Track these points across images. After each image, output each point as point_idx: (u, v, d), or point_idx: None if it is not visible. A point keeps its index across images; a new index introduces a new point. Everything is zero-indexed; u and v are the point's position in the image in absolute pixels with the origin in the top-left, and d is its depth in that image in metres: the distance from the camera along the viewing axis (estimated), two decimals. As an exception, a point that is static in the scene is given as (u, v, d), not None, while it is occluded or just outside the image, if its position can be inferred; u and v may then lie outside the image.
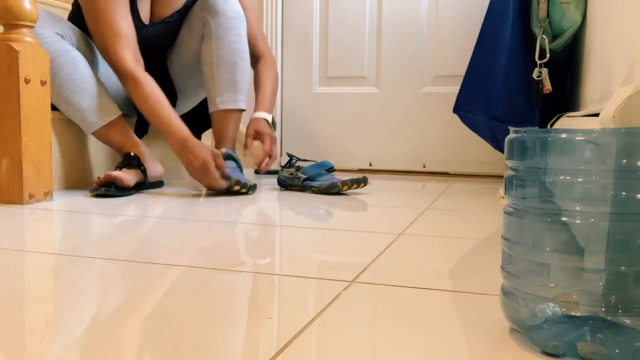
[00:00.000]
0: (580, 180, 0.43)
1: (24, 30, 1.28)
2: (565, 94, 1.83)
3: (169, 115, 1.50)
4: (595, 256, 0.43)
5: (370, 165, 2.39)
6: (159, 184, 1.65)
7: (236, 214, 1.22)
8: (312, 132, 2.44)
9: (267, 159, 1.69)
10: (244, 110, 1.67)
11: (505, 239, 0.50)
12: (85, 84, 1.47)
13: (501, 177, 2.17)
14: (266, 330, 0.52)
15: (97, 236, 0.95)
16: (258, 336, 0.51)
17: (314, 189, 1.59)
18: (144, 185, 1.53)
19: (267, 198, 1.50)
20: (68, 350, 0.47)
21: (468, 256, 0.85)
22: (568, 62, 1.78)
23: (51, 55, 1.39)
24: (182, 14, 1.67)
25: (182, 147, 1.48)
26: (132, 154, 1.51)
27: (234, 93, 1.62)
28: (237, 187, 1.48)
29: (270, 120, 1.71)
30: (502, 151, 1.80)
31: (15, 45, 1.25)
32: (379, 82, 2.36)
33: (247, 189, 1.51)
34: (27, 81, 1.26)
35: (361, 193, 1.60)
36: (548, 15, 1.59)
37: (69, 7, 1.77)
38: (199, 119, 1.99)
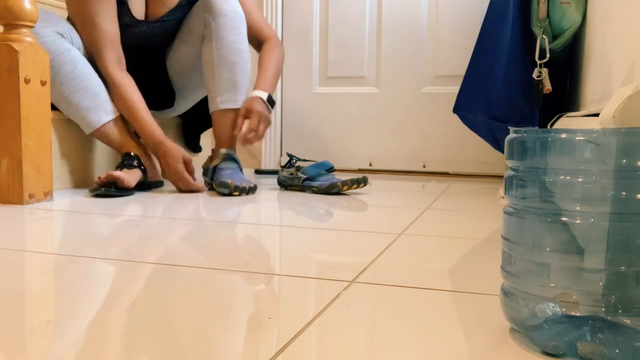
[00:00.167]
0: (580, 180, 0.43)
1: (24, 30, 1.28)
2: (565, 94, 1.83)
3: (144, 119, 1.56)
4: (595, 256, 0.43)
5: (370, 165, 2.39)
6: (159, 183, 1.65)
7: (236, 213, 1.22)
8: (312, 132, 2.44)
9: (253, 133, 1.61)
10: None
11: (505, 239, 0.50)
12: (85, 83, 1.48)
13: (501, 177, 2.17)
14: (266, 330, 0.52)
15: (97, 236, 0.95)
16: (258, 336, 0.51)
17: (314, 189, 1.59)
18: (144, 185, 1.54)
19: (267, 198, 1.50)
20: (68, 350, 0.47)
21: (468, 256, 0.85)
22: (568, 62, 1.78)
23: (51, 55, 1.39)
24: (177, 14, 1.66)
25: (156, 152, 1.57)
26: (132, 153, 1.52)
27: (234, 93, 1.62)
28: (236, 193, 1.48)
29: (265, 97, 1.63)
30: (502, 151, 1.80)
31: (15, 45, 1.25)
32: (379, 82, 2.36)
33: (246, 193, 1.51)
34: (27, 81, 1.26)
35: (361, 193, 1.60)
36: (548, 15, 1.59)
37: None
38: (199, 118, 1.99)
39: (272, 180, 1.92)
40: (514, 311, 0.49)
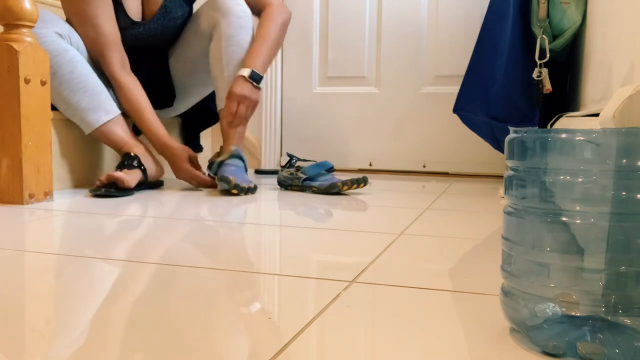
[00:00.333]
0: (580, 180, 0.43)
1: (24, 30, 1.28)
2: (565, 94, 1.83)
3: (150, 121, 1.59)
4: (595, 256, 0.43)
5: (370, 165, 2.39)
6: (159, 183, 1.65)
7: (236, 214, 1.22)
8: (312, 132, 2.44)
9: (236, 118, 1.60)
10: None
11: (505, 239, 0.50)
12: (84, 83, 1.48)
13: (501, 177, 2.17)
14: (266, 330, 0.52)
15: (97, 236, 0.95)
16: (258, 336, 0.51)
17: (314, 189, 1.59)
18: (144, 185, 1.54)
19: (267, 198, 1.50)
20: (68, 350, 0.47)
21: (468, 256, 0.85)
22: (568, 62, 1.78)
23: (50, 55, 1.39)
24: (176, 12, 1.66)
25: (162, 152, 1.61)
26: (132, 154, 1.52)
27: None
28: (234, 191, 1.48)
29: (247, 74, 1.56)
30: (502, 151, 1.80)
31: (15, 45, 1.25)
32: (379, 82, 2.36)
33: (245, 193, 1.51)
34: (27, 81, 1.26)
35: (361, 193, 1.60)
36: (548, 15, 1.59)
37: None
38: (198, 117, 1.99)
39: (272, 180, 1.92)
40: (514, 311, 0.49)
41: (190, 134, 2.05)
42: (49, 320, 0.55)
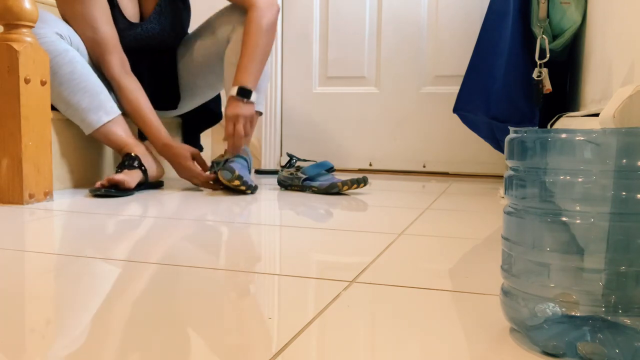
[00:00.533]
0: (580, 180, 0.43)
1: (24, 30, 1.28)
2: (565, 94, 1.83)
3: (151, 121, 1.59)
4: (595, 256, 0.43)
5: (370, 165, 2.39)
6: (159, 184, 1.65)
7: (236, 214, 1.22)
8: (312, 132, 2.44)
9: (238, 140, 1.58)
10: (261, 113, 1.72)
11: (505, 239, 0.50)
12: (85, 83, 1.48)
13: (501, 177, 2.17)
14: (266, 330, 0.52)
15: (97, 236, 0.95)
16: (258, 336, 0.51)
17: (314, 189, 1.59)
18: (145, 185, 1.54)
19: (267, 198, 1.50)
20: (68, 350, 0.47)
21: (468, 256, 0.85)
22: (568, 62, 1.78)
23: (50, 55, 1.39)
24: (160, 12, 1.65)
25: (164, 153, 1.60)
26: (132, 154, 1.52)
27: (256, 95, 1.65)
28: (236, 182, 1.48)
29: (235, 93, 1.55)
30: (502, 151, 1.80)
31: (15, 45, 1.25)
32: (379, 82, 2.36)
33: (247, 187, 1.51)
34: (27, 81, 1.26)
35: (361, 193, 1.60)
36: (548, 15, 1.59)
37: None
38: (199, 118, 1.99)
39: (272, 180, 1.92)
40: (514, 311, 0.49)
41: (190, 134, 2.05)
42: (49, 320, 0.55)
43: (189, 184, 1.72)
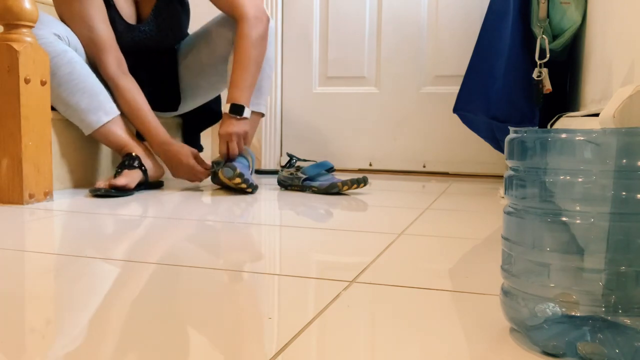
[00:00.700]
0: (580, 180, 0.43)
1: (24, 30, 1.28)
2: (565, 94, 1.83)
3: (149, 120, 1.58)
4: (595, 256, 0.43)
5: (370, 165, 2.39)
6: (159, 184, 1.65)
7: (236, 214, 1.22)
8: (312, 132, 2.44)
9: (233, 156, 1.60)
10: (263, 115, 1.73)
11: (505, 239, 0.50)
12: (84, 84, 1.47)
13: (501, 177, 2.17)
14: (266, 330, 0.52)
15: (97, 236, 0.95)
16: (258, 336, 0.51)
17: (314, 189, 1.59)
18: (145, 185, 1.54)
19: (267, 198, 1.50)
20: (68, 350, 0.47)
21: (468, 256, 0.85)
22: (568, 62, 1.78)
23: (48, 56, 1.39)
24: (158, 14, 1.65)
25: (163, 151, 1.59)
26: (133, 154, 1.52)
27: (258, 96, 1.66)
28: (237, 180, 1.49)
29: (228, 111, 1.56)
30: (502, 151, 1.80)
31: (15, 45, 1.25)
32: (379, 82, 2.36)
33: (248, 185, 1.51)
34: (27, 81, 1.26)
35: (361, 193, 1.60)
36: (548, 15, 1.59)
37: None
38: (199, 117, 1.99)
39: (272, 180, 1.92)
40: (514, 311, 0.49)
41: (190, 133, 2.05)
42: (49, 320, 0.55)
43: (188, 183, 1.72)
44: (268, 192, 1.63)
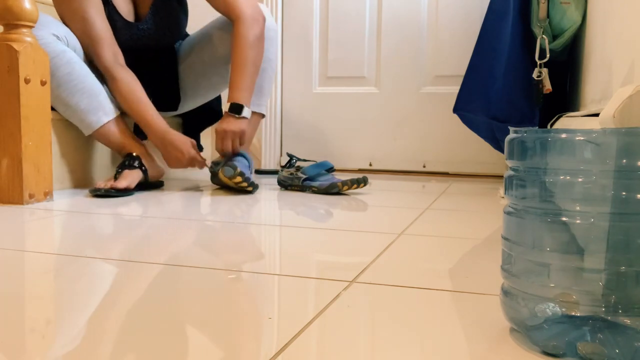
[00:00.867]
0: (580, 180, 0.43)
1: (24, 30, 1.28)
2: (565, 94, 1.83)
3: (147, 111, 1.56)
4: (595, 256, 0.43)
5: (370, 165, 2.39)
6: (159, 184, 1.65)
7: (236, 213, 1.22)
8: (312, 132, 2.44)
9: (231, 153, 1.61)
10: (264, 116, 1.73)
11: (505, 239, 0.50)
12: (83, 84, 1.47)
13: (501, 177, 2.17)
14: (266, 330, 0.52)
15: (97, 236, 0.95)
16: (258, 336, 0.51)
17: (314, 189, 1.59)
18: (145, 185, 1.54)
19: (267, 198, 1.50)
20: (68, 350, 0.47)
21: (468, 256, 0.85)
22: (568, 62, 1.78)
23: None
24: (155, 12, 1.65)
25: (162, 141, 1.56)
26: (133, 154, 1.52)
27: (259, 97, 1.66)
28: (238, 178, 1.48)
29: (227, 109, 1.57)
30: (502, 151, 1.80)
31: (15, 45, 1.25)
32: (379, 82, 2.36)
33: (248, 184, 1.51)
34: (27, 81, 1.26)
35: (361, 193, 1.60)
36: (548, 15, 1.59)
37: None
38: (200, 116, 1.99)
39: (272, 180, 1.92)
40: (514, 311, 0.49)
41: (190, 133, 2.05)
42: (48, 320, 0.55)
43: (189, 184, 1.72)
44: (268, 192, 1.63)
